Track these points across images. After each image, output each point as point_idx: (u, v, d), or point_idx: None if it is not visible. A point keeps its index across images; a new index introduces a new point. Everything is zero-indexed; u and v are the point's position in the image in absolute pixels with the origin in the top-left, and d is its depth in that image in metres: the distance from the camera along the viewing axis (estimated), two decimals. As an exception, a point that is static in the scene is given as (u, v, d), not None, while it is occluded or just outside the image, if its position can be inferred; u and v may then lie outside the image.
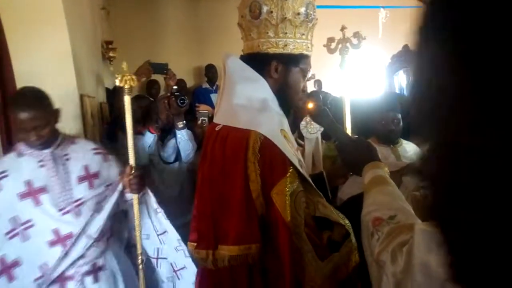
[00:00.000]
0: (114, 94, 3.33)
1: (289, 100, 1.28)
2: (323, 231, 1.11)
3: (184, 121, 2.41)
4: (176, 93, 2.36)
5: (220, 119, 1.21)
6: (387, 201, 0.92)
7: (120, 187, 1.70)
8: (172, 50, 5.70)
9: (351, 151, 1.17)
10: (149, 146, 2.39)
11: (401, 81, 7.11)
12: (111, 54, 4.43)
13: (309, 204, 1.13)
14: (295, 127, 2.88)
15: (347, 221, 1.16)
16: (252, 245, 1.07)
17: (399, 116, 2.16)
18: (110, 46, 4.44)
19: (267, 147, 1.09)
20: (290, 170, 1.11)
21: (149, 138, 2.38)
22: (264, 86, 1.22)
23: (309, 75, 1.31)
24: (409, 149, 2.28)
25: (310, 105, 1.55)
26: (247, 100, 1.18)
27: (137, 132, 2.38)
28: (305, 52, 1.24)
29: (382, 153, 2.09)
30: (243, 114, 1.16)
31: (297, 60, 1.24)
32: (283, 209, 1.06)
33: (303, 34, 1.23)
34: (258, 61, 1.22)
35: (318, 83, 7.66)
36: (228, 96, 1.21)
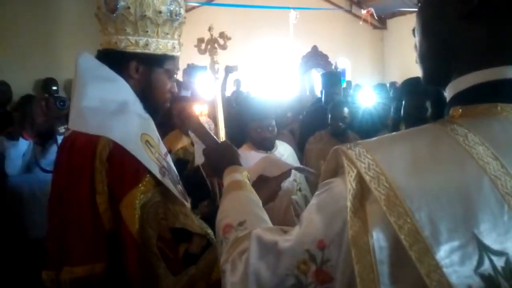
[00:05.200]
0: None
1: (155, 102, 1.19)
2: (180, 243, 1.04)
3: (66, 125, 2.19)
4: (55, 95, 2.15)
5: (70, 124, 1.10)
6: (240, 206, 0.90)
7: None
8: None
9: (214, 155, 1.15)
10: (23, 154, 2.14)
11: (312, 81, 7.38)
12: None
13: (168, 215, 1.06)
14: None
15: (210, 231, 1.11)
16: (96, 265, 0.98)
17: (274, 123, 2.24)
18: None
19: (117, 154, 1.00)
20: (146, 179, 1.03)
21: (23, 145, 2.14)
22: (124, 87, 1.13)
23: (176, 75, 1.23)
24: (283, 151, 2.34)
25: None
26: (100, 102, 1.08)
27: (10, 137, 2.13)
28: (169, 52, 1.17)
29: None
30: (93, 117, 1.06)
31: (160, 61, 1.16)
32: (131, 222, 0.99)
33: (167, 34, 1.15)
34: (115, 59, 1.12)
35: (237, 82, 7.71)
36: (77, 98, 1.09)
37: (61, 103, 2.11)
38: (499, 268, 0.45)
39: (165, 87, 1.20)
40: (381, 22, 10.95)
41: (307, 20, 9.35)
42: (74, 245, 0.99)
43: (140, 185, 1.01)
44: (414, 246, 0.45)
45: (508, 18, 0.53)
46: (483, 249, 0.45)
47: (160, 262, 0.99)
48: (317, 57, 8.93)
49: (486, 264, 0.45)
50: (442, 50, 0.60)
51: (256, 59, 9.52)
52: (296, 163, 2.37)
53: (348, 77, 9.82)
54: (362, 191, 0.51)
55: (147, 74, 1.15)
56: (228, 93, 5.55)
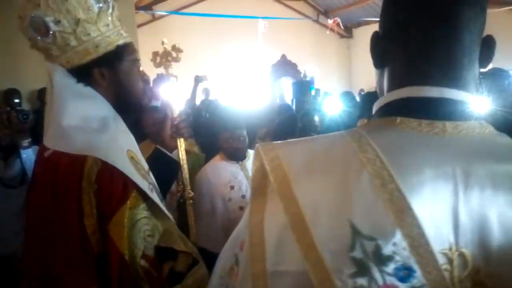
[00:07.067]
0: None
1: (134, 97, 1.16)
2: (165, 261, 1.01)
3: (30, 139, 2.12)
4: (18, 108, 2.08)
5: (49, 143, 1.05)
6: None
7: None
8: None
9: None
10: (-16, 170, 2.05)
11: (282, 89, 7.47)
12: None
13: (155, 231, 1.03)
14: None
15: (195, 249, 1.09)
16: None
17: (245, 133, 2.20)
18: None
19: (106, 174, 0.96)
20: (133, 194, 1.00)
21: (-17, 160, 2.04)
22: (103, 103, 1.09)
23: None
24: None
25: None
26: (82, 120, 1.04)
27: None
28: (120, 42, 1.11)
29: (231, 171, 2.16)
30: (77, 136, 1.01)
31: (118, 55, 1.11)
32: (120, 241, 0.95)
33: (108, 25, 1.09)
34: (79, 77, 1.08)
35: (206, 91, 7.68)
36: (57, 116, 1.04)
37: (24, 116, 2.02)
38: (369, 253, 0.48)
39: (134, 75, 1.17)
40: (347, 31, 11.25)
41: (276, 30, 9.48)
42: (64, 271, 0.96)
43: (128, 202, 0.98)
44: (296, 227, 0.51)
45: (395, 65, 0.64)
46: (356, 234, 0.49)
47: (144, 281, 0.96)
48: (286, 66, 9.07)
49: (358, 248, 0.49)
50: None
51: (226, 68, 9.53)
52: None
53: (316, 85, 10.00)
54: (265, 180, 0.58)
55: (113, 73, 1.11)
56: (197, 102, 5.53)
